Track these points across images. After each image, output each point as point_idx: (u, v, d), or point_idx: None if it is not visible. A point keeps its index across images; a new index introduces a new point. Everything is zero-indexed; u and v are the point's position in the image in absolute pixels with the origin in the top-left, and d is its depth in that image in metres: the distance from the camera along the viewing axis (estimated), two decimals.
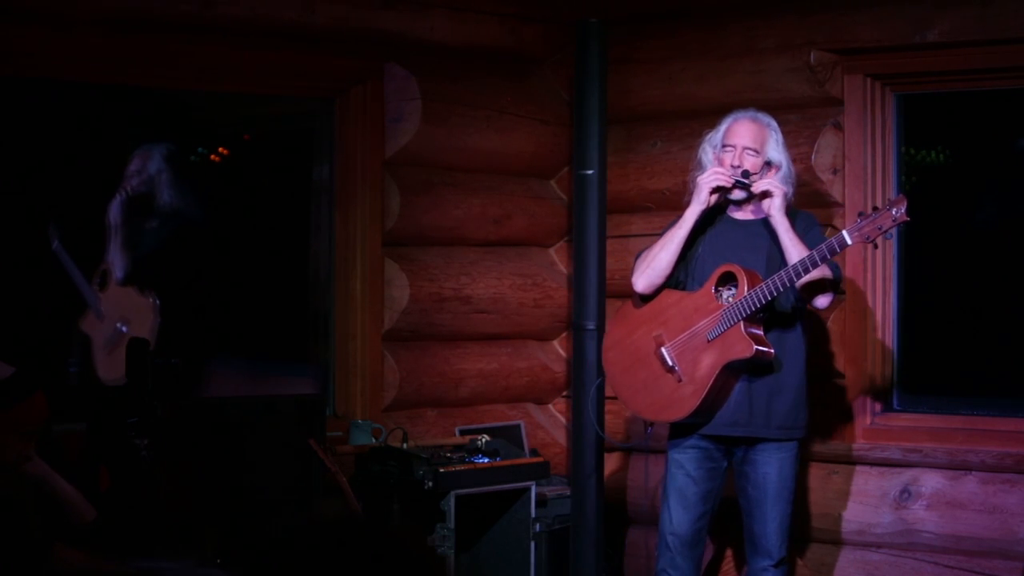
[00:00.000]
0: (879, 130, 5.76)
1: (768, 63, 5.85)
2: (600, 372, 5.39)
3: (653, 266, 4.96)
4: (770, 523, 4.92)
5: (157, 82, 5.83)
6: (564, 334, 6.51)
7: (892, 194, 5.76)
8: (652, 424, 5.08)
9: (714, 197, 4.92)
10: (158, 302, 5.45)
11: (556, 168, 6.51)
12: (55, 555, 4.14)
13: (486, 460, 5.59)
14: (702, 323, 4.82)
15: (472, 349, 6.29)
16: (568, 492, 5.93)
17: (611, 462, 6.05)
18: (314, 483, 5.34)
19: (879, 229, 4.65)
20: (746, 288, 4.74)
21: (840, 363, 5.79)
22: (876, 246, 4.86)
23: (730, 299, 4.79)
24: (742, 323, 4.74)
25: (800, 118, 5.80)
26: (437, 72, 6.08)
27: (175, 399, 5.29)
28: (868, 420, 5.79)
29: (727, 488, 5.09)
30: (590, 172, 5.87)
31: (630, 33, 6.16)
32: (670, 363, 4.87)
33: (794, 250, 4.78)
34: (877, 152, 5.76)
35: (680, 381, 4.85)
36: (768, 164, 4.93)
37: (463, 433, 6.02)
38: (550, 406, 6.56)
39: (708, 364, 4.80)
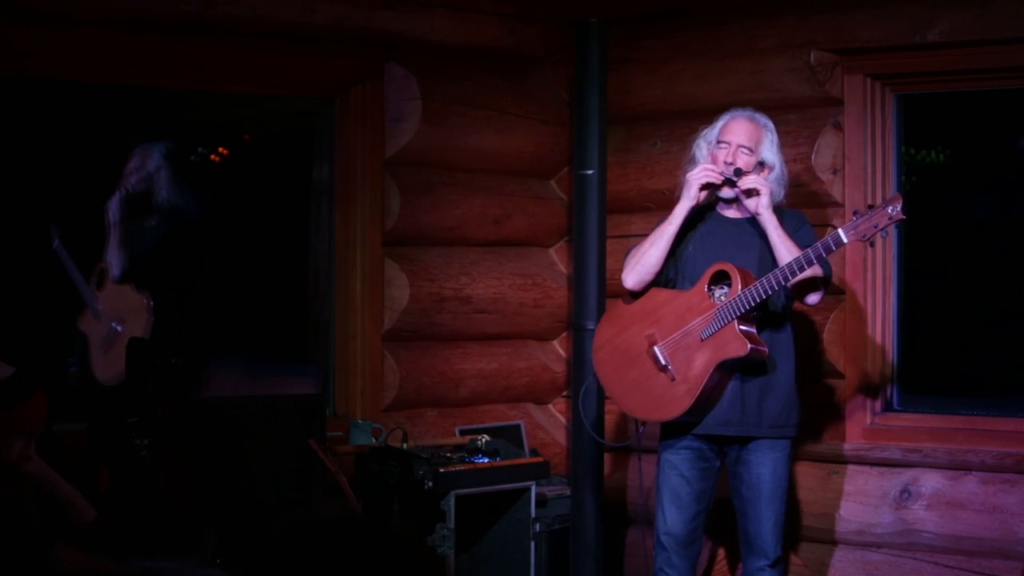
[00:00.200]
0: (879, 130, 5.76)
1: (768, 63, 5.85)
2: (591, 372, 5.38)
3: (643, 263, 4.95)
4: (765, 523, 4.92)
5: (157, 82, 5.84)
6: (564, 334, 6.51)
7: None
8: (644, 423, 5.07)
9: (704, 194, 4.91)
10: (152, 303, 5.45)
11: (556, 168, 6.51)
12: (55, 555, 4.14)
13: (486, 460, 5.59)
14: (695, 322, 4.81)
15: (472, 349, 6.29)
16: (568, 492, 5.93)
17: (611, 462, 6.05)
18: (314, 483, 5.34)
19: (875, 227, 4.64)
20: (740, 287, 4.74)
21: (840, 363, 5.79)
22: (872, 244, 4.85)
23: (723, 298, 4.78)
24: (736, 322, 4.74)
25: (800, 118, 5.80)
26: (437, 72, 6.08)
27: (175, 399, 5.29)
28: (868, 420, 5.79)
29: (721, 488, 5.09)
30: (590, 172, 5.87)
31: (630, 33, 6.16)
32: (663, 362, 4.86)
33: (784, 248, 4.77)
34: (877, 152, 5.76)
35: (673, 380, 4.84)
36: (761, 164, 4.93)
37: (463, 433, 6.02)
38: (550, 406, 6.56)
39: (702, 363, 4.79)
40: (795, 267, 4.68)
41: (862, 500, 5.71)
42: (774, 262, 4.79)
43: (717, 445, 4.95)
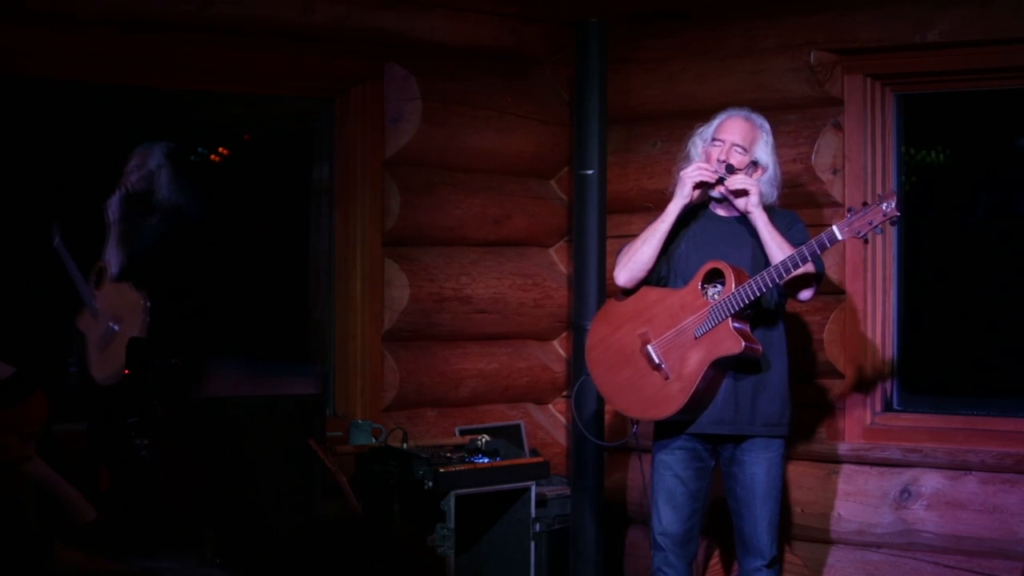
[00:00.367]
0: (879, 130, 5.76)
1: (768, 63, 5.85)
2: (584, 371, 5.37)
3: (635, 260, 4.95)
4: (760, 523, 4.92)
5: (157, 82, 5.84)
6: (564, 334, 6.51)
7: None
8: (638, 422, 5.06)
9: (697, 192, 4.91)
10: (149, 303, 5.44)
11: (556, 168, 6.52)
12: (55, 555, 4.14)
13: (486, 460, 5.59)
14: (689, 320, 4.81)
15: (472, 349, 6.29)
16: (568, 492, 5.93)
17: (611, 462, 6.05)
18: (314, 483, 5.34)
19: (869, 224, 4.64)
20: (733, 285, 4.73)
21: (840, 363, 5.80)
22: (867, 241, 4.84)
23: (716, 296, 4.78)
24: (730, 319, 4.73)
25: (800, 118, 5.80)
26: (437, 72, 6.08)
27: (175, 399, 5.29)
28: (868, 420, 5.79)
29: (717, 488, 5.09)
30: (590, 172, 5.87)
31: (630, 33, 6.16)
32: (656, 361, 4.85)
33: (775, 245, 4.76)
34: (877, 152, 5.76)
35: (667, 379, 4.83)
36: (755, 164, 4.92)
37: (463, 433, 6.02)
38: (550, 406, 6.57)
39: (696, 361, 4.78)
40: (790, 264, 4.67)
41: (862, 500, 5.71)
42: (767, 260, 4.79)
43: (711, 444, 4.95)
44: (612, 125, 6.01)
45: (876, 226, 4.64)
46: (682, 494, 4.95)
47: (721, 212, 4.99)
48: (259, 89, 6.09)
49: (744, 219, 4.87)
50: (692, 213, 4.97)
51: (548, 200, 6.49)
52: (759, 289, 4.70)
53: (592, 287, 5.83)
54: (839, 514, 5.74)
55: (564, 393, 6.49)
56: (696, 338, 4.79)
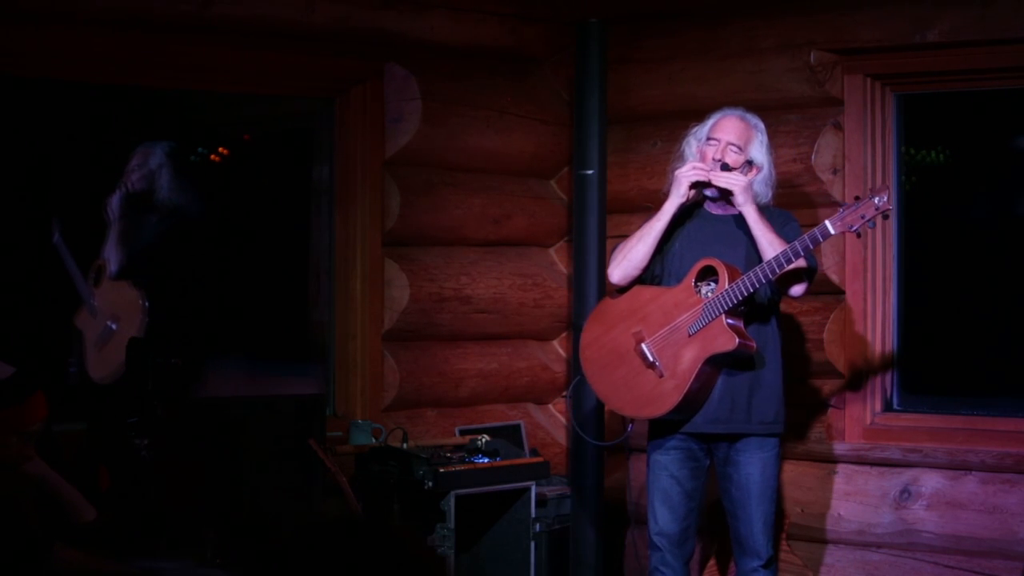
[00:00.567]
0: (879, 130, 5.76)
1: (768, 63, 5.85)
2: (578, 371, 5.37)
3: (629, 258, 4.95)
4: (755, 523, 4.91)
5: (157, 82, 5.84)
6: (564, 334, 6.51)
7: (892, 195, 5.76)
8: (633, 421, 5.06)
9: (693, 191, 4.92)
10: (147, 302, 5.44)
11: (556, 168, 6.52)
12: (55, 555, 4.13)
13: (486, 460, 5.59)
14: (683, 317, 4.81)
15: (472, 349, 6.29)
16: (568, 492, 5.93)
17: (611, 462, 6.05)
18: (314, 483, 5.34)
19: (862, 218, 4.64)
20: (727, 282, 4.73)
21: (840, 363, 5.80)
22: (859, 235, 4.83)
23: (710, 294, 4.78)
24: (723, 316, 4.73)
25: (800, 118, 5.80)
26: (437, 72, 6.08)
27: (175, 399, 5.29)
28: (868, 420, 5.79)
29: (714, 488, 5.09)
30: (590, 172, 5.88)
31: (630, 33, 6.16)
32: (651, 359, 4.85)
33: (766, 241, 4.76)
34: (877, 152, 5.76)
35: (661, 376, 4.83)
36: (749, 163, 4.92)
37: (463, 433, 6.02)
38: (550, 406, 6.56)
39: (690, 358, 4.78)
40: (783, 260, 4.67)
41: (862, 500, 5.71)
42: (760, 258, 4.78)
43: (706, 444, 4.94)
44: (612, 125, 6.01)
45: (869, 220, 4.64)
46: (678, 494, 4.95)
47: (716, 211, 4.99)
48: (259, 89, 6.08)
49: (738, 218, 4.87)
50: (687, 212, 4.97)
51: (548, 200, 6.49)
52: (752, 285, 4.70)
53: (592, 287, 5.83)
54: (839, 514, 5.74)
55: (564, 393, 6.49)
56: (690, 335, 4.79)
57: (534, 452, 6.20)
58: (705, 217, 4.99)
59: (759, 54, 5.87)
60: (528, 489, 5.67)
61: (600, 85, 5.86)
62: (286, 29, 5.65)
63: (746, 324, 4.81)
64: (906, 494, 5.63)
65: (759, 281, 4.69)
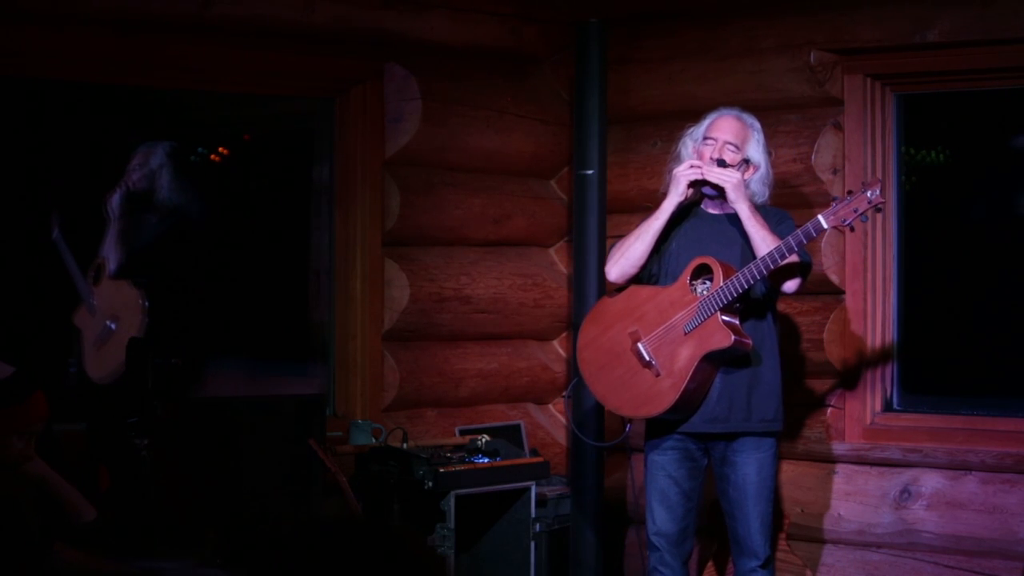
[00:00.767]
0: (879, 130, 5.76)
1: (768, 63, 5.85)
2: (576, 372, 5.37)
3: (627, 256, 4.95)
4: (753, 523, 4.91)
5: (157, 82, 5.83)
6: (564, 334, 6.51)
7: (892, 195, 5.77)
8: (631, 421, 5.06)
9: (691, 190, 4.92)
10: (148, 303, 5.44)
11: (556, 168, 6.52)
12: (55, 555, 4.14)
13: (486, 460, 5.59)
14: (678, 316, 4.81)
15: (472, 349, 6.29)
16: (568, 492, 5.93)
17: (611, 462, 6.05)
18: (314, 483, 5.34)
19: (855, 212, 4.64)
20: (721, 279, 4.73)
21: (840, 363, 5.79)
22: (852, 229, 4.83)
23: (705, 292, 4.78)
24: (719, 314, 4.73)
25: (800, 118, 5.80)
26: (437, 72, 6.08)
27: (175, 399, 5.29)
28: (868, 420, 5.79)
29: (711, 489, 5.09)
30: (590, 172, 5.87)
31: (630, 33, 6.16)
32: (647, 358, 4.85)
33: (759, 237, 4.75)
34: (877, 152, 5.76)
35: (658, 376, 4.82)
36: (746, 162, 4.92)
37: (463, 433, 6.02)
38: (550, 406, 6.56)
39: (686, 356, 4.78)
40: (776, 255, 4.67)
41: (862, 500, 5.71)
42: (754, 255, 4.78)
43: (703, 443, 4.94)
44: (612, 125, 6.01)
45: (861, 213, 4.64)
46: (676, 494, 4.95)
47: (713, 210, 4.99)
48: (259, 89, 6.08)
49: (735, 216, 4.87)
50: (684, 212, 4.97)
51: (548, 200, 6.49)
52: (746, 282, 4.70)
53: (592, 287, 5.83)
54: (839, 514, 5.74)
55: (564, 393, 6.49)
56: (686, 334, 4.79)
57: (534, 452, 6.20)
58: (702, 216, 4.99)
59: (759, 54, 5.87)
60: (528, 489, 5.67)
61: (600, 85, 5.86)
62: (286, 29, 5.65)
63: (742, 321, 4.81)
64: (906, 494, 5.63)
65: (753, 278, 4.69)
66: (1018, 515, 5.41)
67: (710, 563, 5.80)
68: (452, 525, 5.38)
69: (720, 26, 5.99)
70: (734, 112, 4.99)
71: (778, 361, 4.94)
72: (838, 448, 5.78)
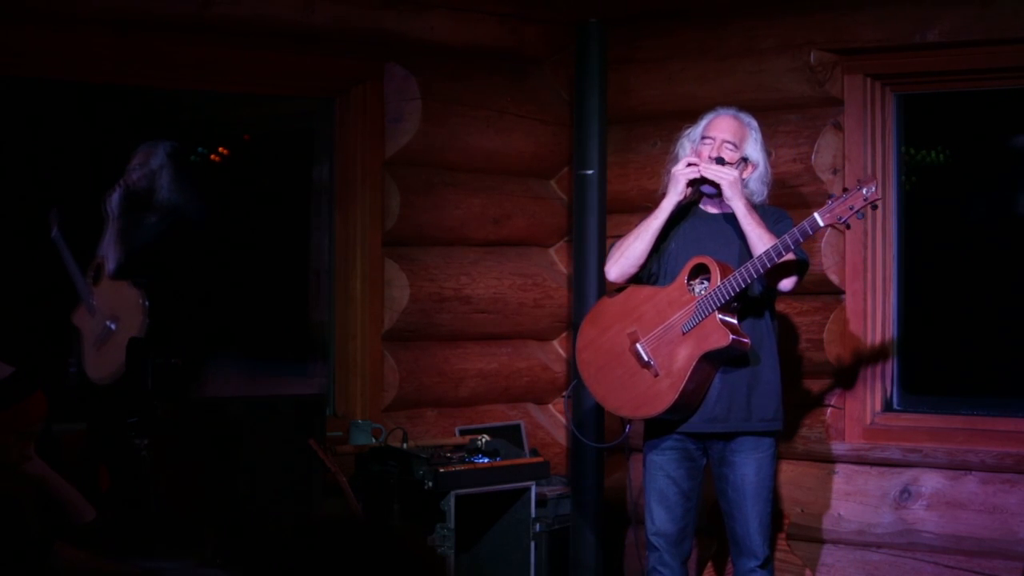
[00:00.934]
0: (879, 130, 5.76)
1: (768, 63, 5.85)
2: (575, 374, 5.37)
3: (627, 255, 4.94)
4: (752, 523, 4.91)
5: (157, 82, 5.84)
6: (564, 334, 6.51)
7: (892, 195, 5.77)
8: (631, 422, 5.06)
9: (690, 189, 4.92)
10: (148, 303, 5.44)
11: (556, 168, 6.52)
12: (55, 555, 4.14)
13: (486, 460, 5.59)
14: (676, 316, 4.80)
15: (472, 349, 6.29)
16: (568, 492, 5.93)
17: (611, 462, 6.05)
18: (314, 483, 5.34)
19: (851, 209, 4.64)
20: (719, 278, 4.73)
21: (840, 363, 5.79)
22: (849, 227, 4.83)
23: (703, 291, 4.78)
24: (716, 313, 4.73)
25: (800, 118, 5.80)
26: (437, 72, 6.08)
27: (175, 399, 5.29)
28: (868, 420, 5.79)
29: (711, 489, 5.08)
30: (590, 172, 5.88)
31: (630, 33, 6.16)
32: (646, 358, 4.85)
33: (755, 235, 4.74)
34: (877, 152, 5.76)
35: (657, 376, 4.82)
36: (745, 160, 4.92)
37: (463, 433, 6.02)
38: (550, 406, 6.57)
39: (685, 356, 4.77)
40: (773, 254, 4.66)
41: (862, 500, 5.71)
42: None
43: (702, 443, 4.94)
44: (612, 125, 6.01)
45: (857, 211, 4.64)
46: (674, 494, 4.95)
47: (712, 210, 4.99)
48: (259, 89, 6.08)
49: (734, 216, 4.87)
50: (683, 211, 4.97)
51: (548, 200, 6.50)
52: (744, 281, 4.69)
53: (592, 287, 5.83)
54: (839, 514, 5.74)
55: (564, 393, 6.49)
56: (684, 333, 4.79)
57: (534, 452, 6.21)
58: (700, 216, 4.99)
59: (759, 54, 5.87)
60: (528, 489, 5.67)
61: (600, 85, 5.86)
62: (286, 29, 5.65)
63: (740, 321, 4.81)
64: (906, 494, 5.63)
65: (750, 276, 4.69)
66: (1018, 515, 5.41)
67: (709, 563, 5.80)
68: (452, 525, 5.38)
69: (720, 26, 5.99)
70: (731, 111, 4.99)
71: (777, 360, 4.94)
72: (838, 448, 5.78)
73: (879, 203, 4.69)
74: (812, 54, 5.74)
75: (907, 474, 5.65)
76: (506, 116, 6.29)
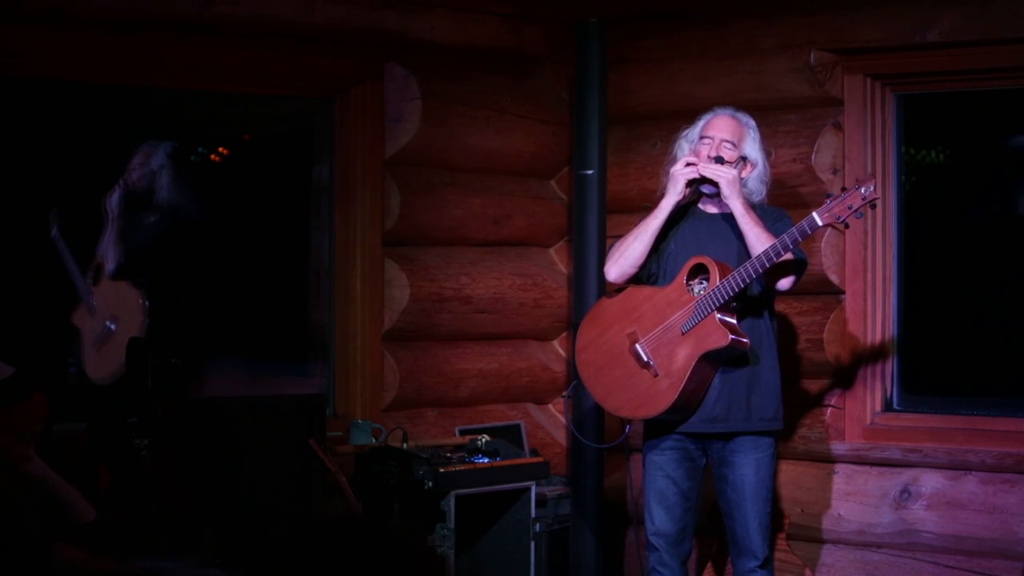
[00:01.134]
0: (879, 130, 5.76)
1: (768, 63, 5.85)
2: (575, 374, 5.36)
3: (626, 255, 4.94)
4: (751, 523, 4.91)
5: (157, 82, 5.84)
6: (564, 334, 6.51)
7: (892, 195, 5.77)
8: (630, 422, 5.06)
9: (689, 189, 4.92)
10: (148, 303, 5.44)
11: (556, 168, 6.52)
12: (55, 555, 4.14)
13: (486, 460, 5.59)
14: (675, 316, 4.80)
15: (472, 349, 6.29)
16: (568, 492, 5.93)
17: (611, 462, 6.05)
18: (314, 483, 5.34)
19: (849, 208, 4.64)
20: (717, 278, 4.73)
21: (840, 363, 5.79)
22: (847, 226, 4.83)
23: (701, 291, 4.78)
24: (716, 313, 4.73)
25: (800, 118, 5.80)
26: (437, 72, 6.08)
27: (175, 399, 5.29)
28: (868, 420, 5.79)
29: (709, 490, 5.08)
30: (590, 172, 5.88)
31: (630, 33, 6.16)
32: (645, 359, 4.85)
33: (752, 234, 4.74)
34: (877, 152, 5.76)
35: (656, 376, 4.82)
36: (744, 159, 4.92)
37: (463, 433, 6.02)
38: (550, 406, 6.57)
39: (684, 356, 4.77)
40: (772, 253, 4.66)
41: (862, 500, 5.71)
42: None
43: (701, 443, 4.94)
44: (612, 125, 6.01)
45: (856, 210, 4.64)
46: (674, 494, 4.95)
47: (711, 209, 4.99)
48: (259, 89, 6.09)
49: (732, 216, 4.86)
50: (682, 212, 4.97)
51: (548, 200, 6.50)
52: (742, 281, 4.69)
53: (592, 287, 5.83)
54: (839, 514, 5.74)
55: (564, 393, 6.48)
56: (683, 334, 4.78)
57: (534, 452, 6.21)
58: (700, 216, 4.99)
59: (759, 54, 5.87)
60: (528, 489, 5.67)
61: (600, 85, 5.86)
62: (286, 29, 5.65)
63: (739, 320, 4.80)
64: (906, 494, 5.63)
65: (749, 276, 4.69)
66: (1018, 515, 5.41)
67: (709, 563, 5.80)
68: (452, 525, 5.38)
69: (720, 26, 5.99)
70: (729, 111, 4.99)
71: (777, 360, 4.94)
72: (838, 448, 5.78)
73: (878, 202, 4.69)
74: (812, 54, 5.74)
75: (907, 474, 5.65)
76: (506, 116, 6.29)
